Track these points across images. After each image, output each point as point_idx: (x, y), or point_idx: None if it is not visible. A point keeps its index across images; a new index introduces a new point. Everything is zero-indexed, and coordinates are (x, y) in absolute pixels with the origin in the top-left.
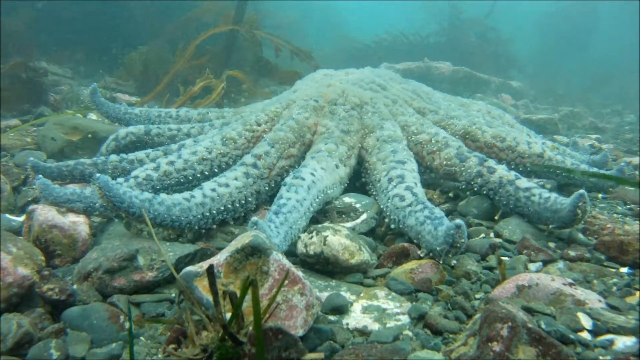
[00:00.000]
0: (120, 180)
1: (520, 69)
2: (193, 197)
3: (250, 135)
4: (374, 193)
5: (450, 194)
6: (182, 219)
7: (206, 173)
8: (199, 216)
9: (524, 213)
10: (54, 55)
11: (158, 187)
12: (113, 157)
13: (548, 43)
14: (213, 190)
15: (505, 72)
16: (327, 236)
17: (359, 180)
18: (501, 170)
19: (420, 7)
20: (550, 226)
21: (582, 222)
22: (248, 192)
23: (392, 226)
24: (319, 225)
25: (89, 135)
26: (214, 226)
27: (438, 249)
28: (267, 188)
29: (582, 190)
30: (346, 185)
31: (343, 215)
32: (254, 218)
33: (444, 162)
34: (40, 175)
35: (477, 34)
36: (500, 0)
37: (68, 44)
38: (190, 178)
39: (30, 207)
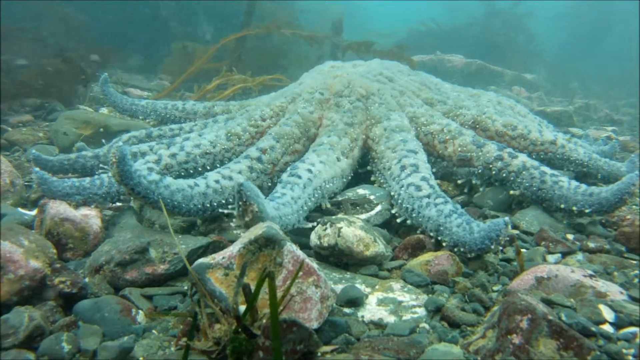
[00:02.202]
0: None
1: (541, 60)
2: (197, 186)
3: (254, 131)
4: (381, 180)
5: (459, 181)
6: (183, 206)
7: (207, 167)
8: (199, 205)
9: (547, 197)
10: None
11: None
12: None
13: (565, 40)
14: (217, 182)
15: (530, 63)
16: (342, 228)
17: (362, 167)
18: (523, 156)
19: (445, 5)
20: (576, 207)
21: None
22: None
23: (399, 213)
24: (333, 217)
25: (101, 130)
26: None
27: (478, 246)
28: (269, 184)
29: (638, 171)
30: (349, 178)
31: (357, 207)
32: (239, 180)
33: (459, 149)
34: (37, 169)
35: (508, 25)
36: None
37: (118, 43)
38: (192, 171)
39: (42, 201)
